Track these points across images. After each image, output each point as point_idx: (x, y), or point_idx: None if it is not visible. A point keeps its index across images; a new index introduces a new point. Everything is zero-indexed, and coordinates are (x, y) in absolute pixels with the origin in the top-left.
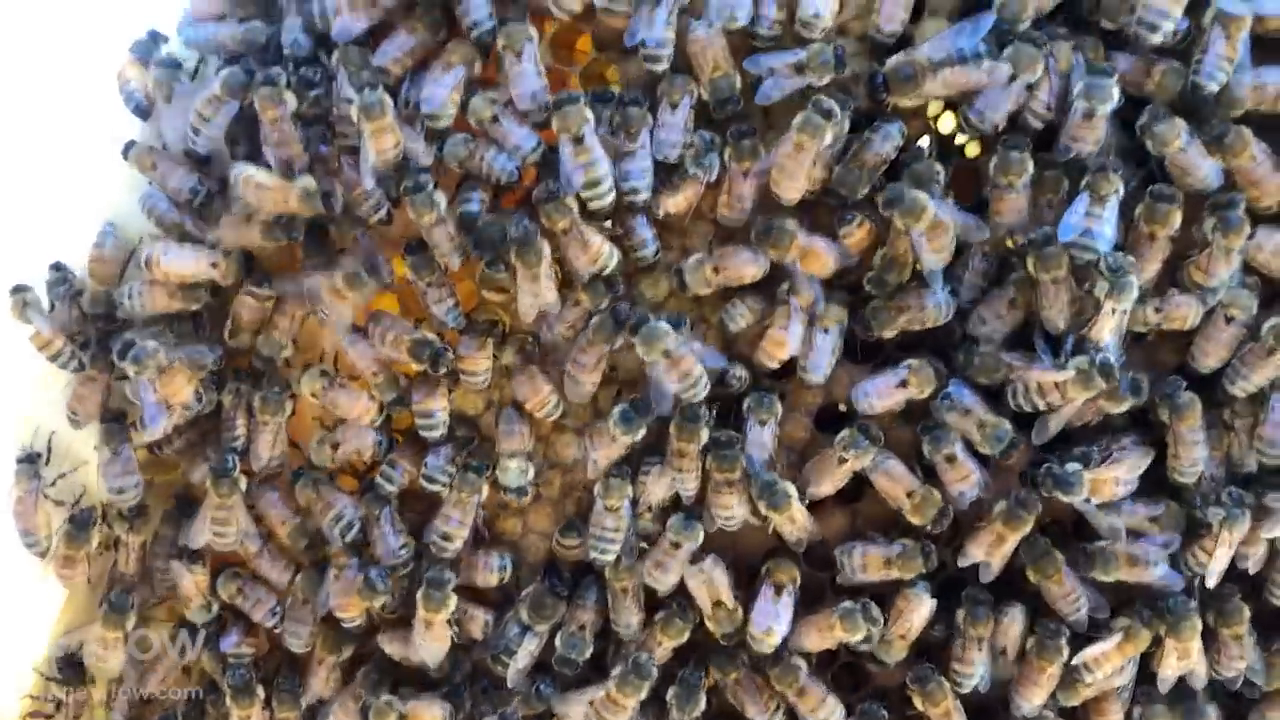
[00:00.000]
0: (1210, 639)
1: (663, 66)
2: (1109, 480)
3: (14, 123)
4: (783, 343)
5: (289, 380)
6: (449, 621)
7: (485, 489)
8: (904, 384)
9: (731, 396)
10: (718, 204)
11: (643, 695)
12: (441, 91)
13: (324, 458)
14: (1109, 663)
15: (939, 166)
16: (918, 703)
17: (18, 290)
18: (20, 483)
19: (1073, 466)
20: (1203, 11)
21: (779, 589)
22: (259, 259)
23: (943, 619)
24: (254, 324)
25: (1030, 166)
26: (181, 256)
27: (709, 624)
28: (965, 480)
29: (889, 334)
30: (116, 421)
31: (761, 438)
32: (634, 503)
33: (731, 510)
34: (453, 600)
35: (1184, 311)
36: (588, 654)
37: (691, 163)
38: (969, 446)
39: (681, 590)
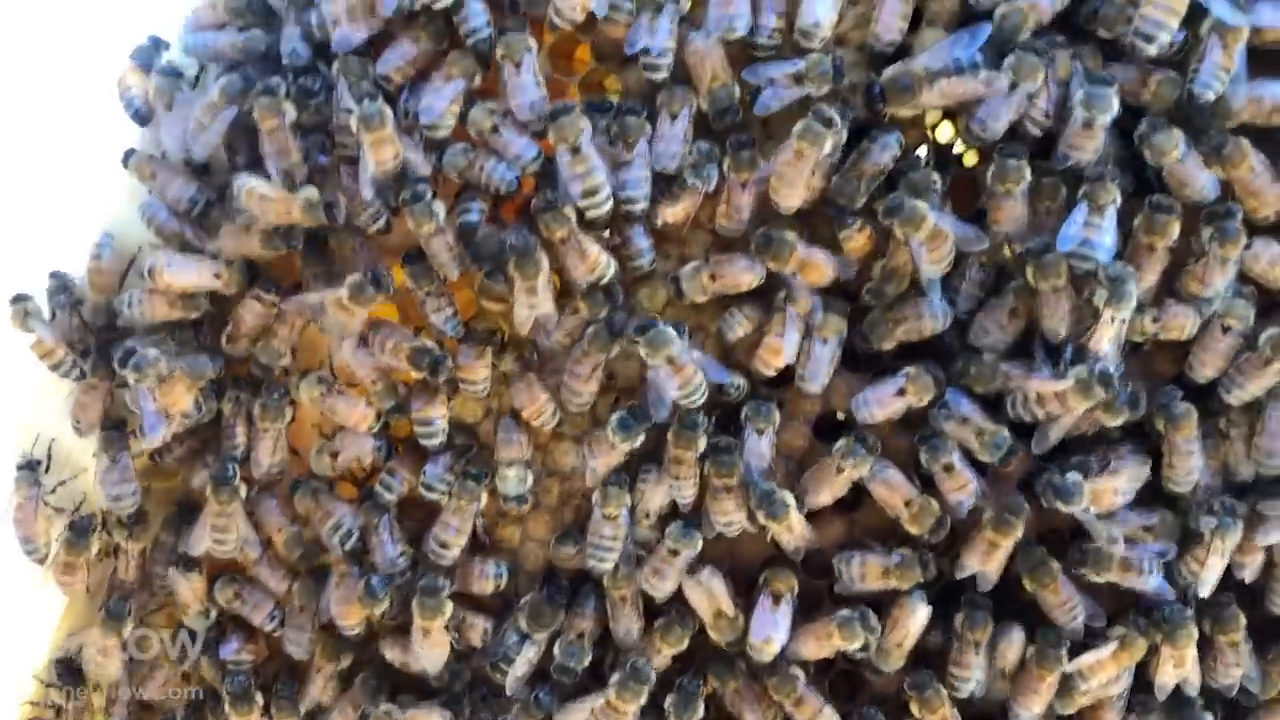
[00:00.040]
0: (1206, 646)
1: (663, 75)
2: (1108, 490)
3: (14, 130)
4: (779, 350)
5: (288, 387)
6: (447, 628)
7: (484, 496)
8: (902, 392)
9: (730, 405)
10: (716, 214)
11: (642, 700)
12: (440, 102)
13: (324, 466)
14: (1104, 671)
15: (936, 175)
16: (915, 710)
17: (19, 299)
18: (20, 490)
19: (1073, 476)
20: (1199, 22)
21: (777, 598)
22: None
23: (940, 626)
24: (256, 329)
25: (1028, 174)
26: (185, 267)
27: (711, 633)
28: (963, 489)
29: (887, 345)
30: (116, 429)
31: (759, 447)
32: (632, 510)
33: (730, 516)
34: (448, 607)
35: (1181, 321)
36: (586, 662)
37: (690, 173)
38: (967, 455)
39: (679, 597)
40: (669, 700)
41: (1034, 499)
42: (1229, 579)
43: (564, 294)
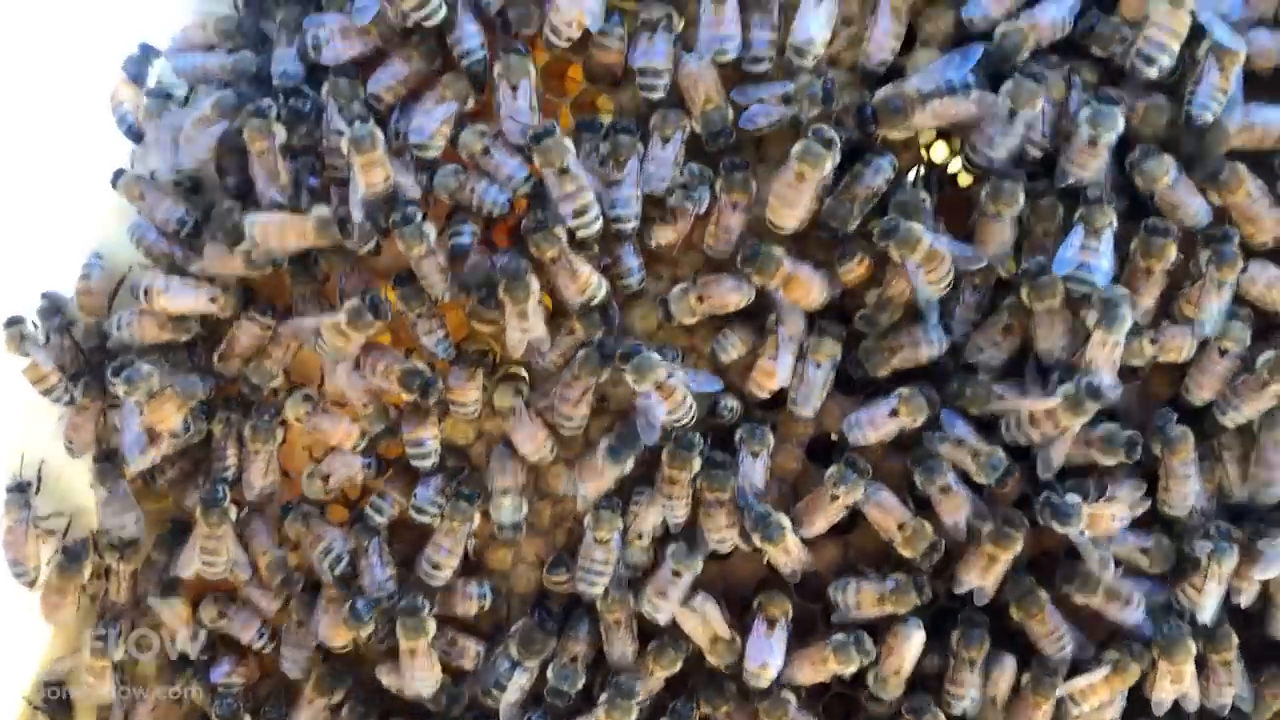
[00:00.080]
0: (1199, 666)
1: (659, 95)
2: (1105, 515)
3: (3, 148)
4: (772, 373)
5: (278, 407)
6: (435, 649)
7: (476, 517)
8: (895, 413)
9: (723, 427)
10: (706, 235)
11: (632, 718)
12: (430, 123)
13: (315, 490)
14: (1096, 695)
15: (924, 195)
16: None
17: (13, 322)
18: (11, 512)
19: (1072, 498)
20: (1195, 45)
21: (772, 623)
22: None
23: (936, 648)
24: (249, 350)
25: (1021, 199)
26: (182, 292)
27: (709, 658)
28: (960, 510)
29: (882, 373)
30: (108, 460)
31: (754, 469)
32: (624, 532)
33: (723, 533)
34: (431, 626)
35: (1179, 343)
36: (580, 685)
37: (681, 194)
38: (962, 475)
39: (673, 621)
40: None
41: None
42: (1223, 600)
43: (558, 314)
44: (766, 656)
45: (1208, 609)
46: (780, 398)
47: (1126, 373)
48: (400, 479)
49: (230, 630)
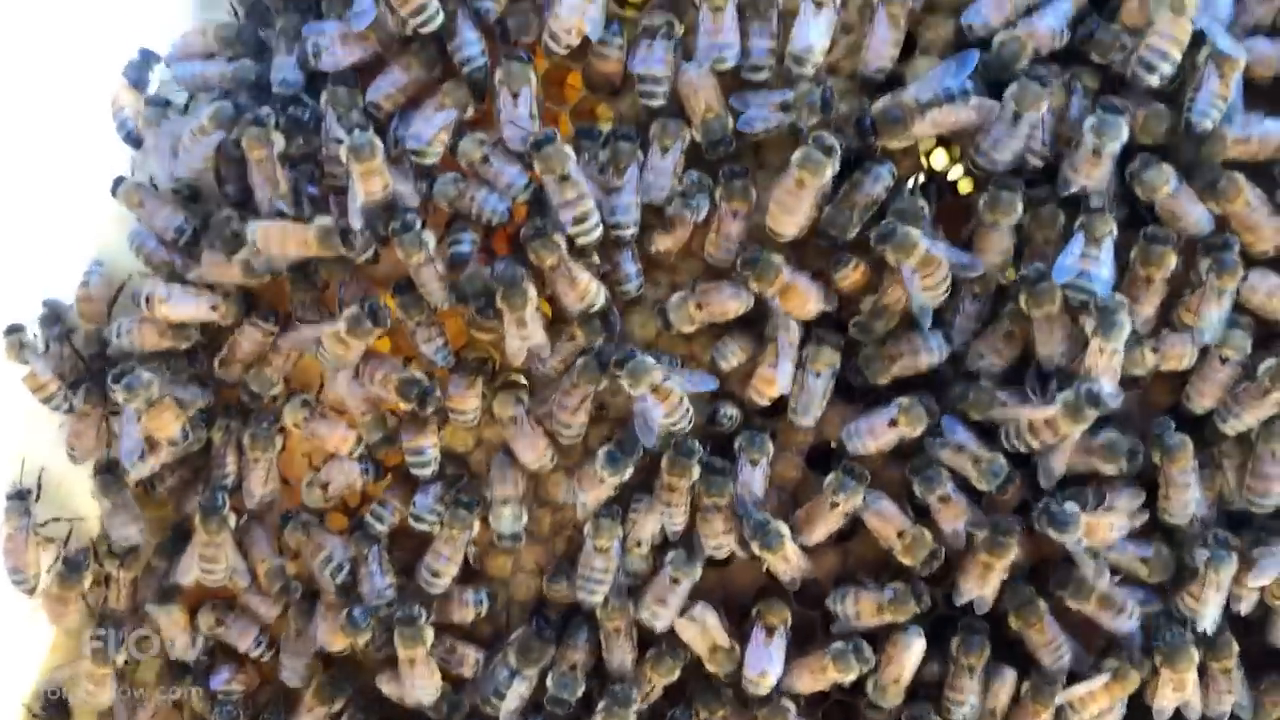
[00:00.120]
0: (1198, 674)
1: (659, 102)
2: (1104, 525)
3: (4, 156)
4: (772, 380)
5: (277, 415)
6: (433, 656)
7: (476, 525)
8: (894, 422)
9: (723, 435)
10: (706, 243)
11: None
12: (429, 129)
13: (315, 499)
14: (1095, 703)
15: (923, 203)
16: None
17: (13, 330)
18: (11, 520)
19: (1070, 506)
20: (1194, 52)
21: (771, 630)
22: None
23: (936, 656)
24: (250, 356)
25: (1019, 209)
26: (184, 301)
27: (709, 666)
28: (959, 519)
29: (882, 381)
30: (110, 473)
31: (754, 477)
32: (623, 539)
33: (719, 538)
34: (429, 634)
35: (1180, 351)
36: (579, 693)
37: (680, 203)
38: (961, 483)
39: (672, 629)
40: None
41: (1026, 528)
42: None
43: (559, 320)
44: (765, 664)
45: (1208, 617)
46: (779, 405)
47: (1128, 381)
48: (400, 487)
49: (227, 638)
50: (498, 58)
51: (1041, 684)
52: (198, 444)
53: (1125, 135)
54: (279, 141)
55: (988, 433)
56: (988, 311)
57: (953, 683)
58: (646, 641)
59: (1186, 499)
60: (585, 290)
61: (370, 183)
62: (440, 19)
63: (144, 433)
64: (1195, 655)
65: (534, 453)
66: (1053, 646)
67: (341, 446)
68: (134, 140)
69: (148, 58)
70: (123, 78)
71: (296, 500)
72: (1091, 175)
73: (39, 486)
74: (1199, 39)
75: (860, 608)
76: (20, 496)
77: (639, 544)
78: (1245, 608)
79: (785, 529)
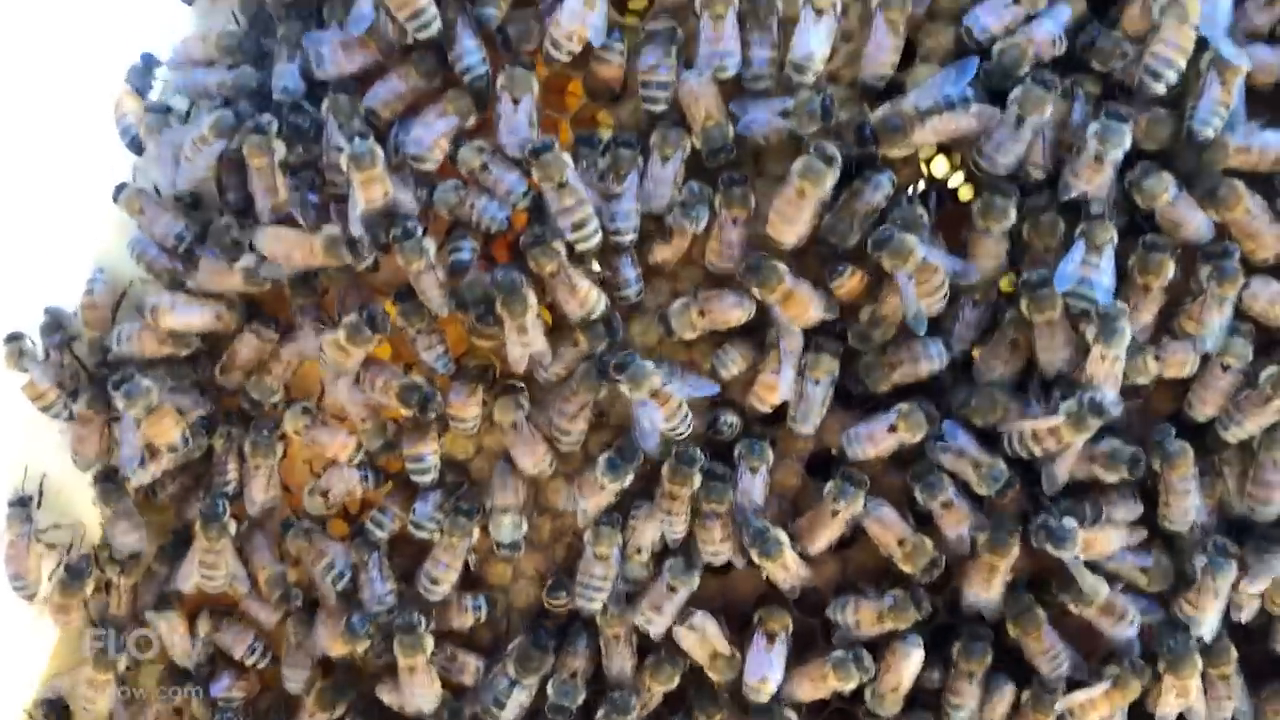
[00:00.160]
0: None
1: (661, 108)
2: (1101, 540)
3: (5, 160)
4: (774, 387)
5: (278, 422)
6: (432, 665)
7: (475, 532)
8: (894, 428)
9: (723, 443)
10: (707, 250)
11: None
12: (429, 135)
13: (316, 506)
14: (1096, 711)
15: (922, 211)
16: None
17: (13, 338)
18: (13, 527)
19: (1068, 522)
20: (1197, 59)
21: (771, 637)
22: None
23: (936, 664)
24: (250, 363)
25: (1013, 216)
26: (189, 311)
27: (710, 674)
28: (962, 524)
29: (883, 389)
30: (110, 480)
31: (753, 485)
32: (623, 546)
33: (717, 545)
34: (428, 642)
35: (1181, 358)
36: (580, 701)
37: (680, 213)
38: (962, 488)
39: (669, 636)
40: None
41: (1025, 540)
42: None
43: (561, 326)
44: (766, 671)
45: (1207, 624)
46: (780, 413)
47: (1130, 389)
48: (401, 493)
49: (222, 643)
50: (498, 66)
51: (1041, 692)
52: (198, 451)
53: (1128, 143)
54: (280, 149)
55: (989, 438)
56: (988, 319)
57: (952, 686)
58: (647, 649)
59: (1186, 506)
60: (585, 297)
61: (370, 190)
62: (438, 25)
63: (144, 440)
64: (1200, 662)
65: (533, 458)
66: (1050, 655)
67: (341, 453)
68: (136, 146)
69: (150, 63)
70: (125, 83)
71: (298, 506)
72: (1093, 181)
73: (40, 493)
74: (1201, 46)
75: (860, 616)
76: (22, 503)
77: (639, 551)
78: (1246, 615)
79: (784, 537)
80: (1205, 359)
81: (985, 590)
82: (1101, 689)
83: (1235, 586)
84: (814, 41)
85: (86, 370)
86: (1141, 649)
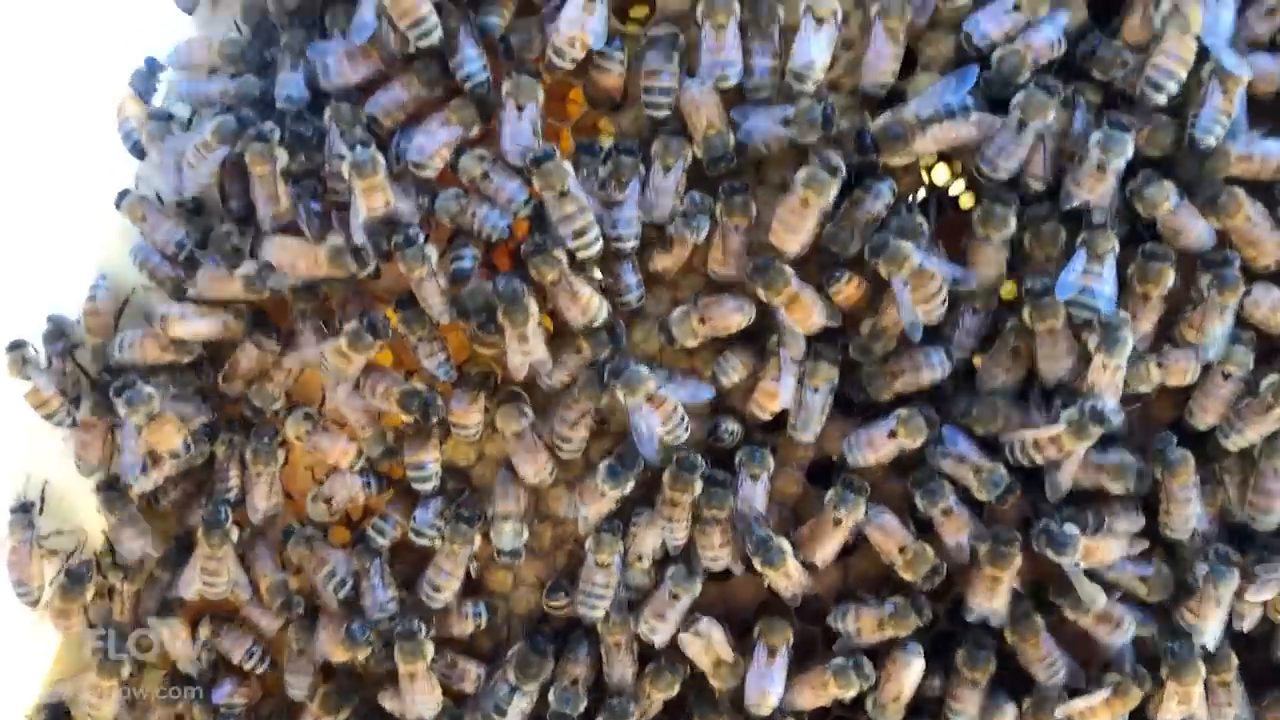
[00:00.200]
0: None
1: (664, 114)
2: (1102, 548)
3: (8, 165)
4: (775, 394)
5: (279, 428)
6: (433, 672)
7: (477, 539)
8: (894, 434)
9: (724, 450)
10: (709, 259)
11: None
12: (431, 143)
13: (319, 513)
14: (1096, 718)
15: (922, 219)
16: None
17: (16, 346)
18: (15, 533)
19: (1070, 528)
20: (1198, 67)
21: (773, 651)
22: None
23: (937, 671)
24: (251, 372)
25: (1012, 224)
26: (196, 321)
27: (713, 681)
28: (963, 531)
29: (885, 398)
30: (113, 488)
31: (754, 492)
32: (624, 554)
33: (716, 551)
34: (429, 649)
35: (1182, 366)
36: (581, 708)
37: (681, 223)
38: (962, 495)
39: (671, 644)
40: None
41: (1025, 547)
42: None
43: (564, 334)
44: (767, 685)
45: (1210, 633)
46: (781, 420)
47: (1131, 397)
48: (402, 500)
49: (220, 648)
50: (500, 75)
51: (1043, 702)
52: (200, 457)
53: (1130, 152)
54: (282, 157)
55: (989, 445)
56: (988, 327)
57: (954, 693)
58: (647, 656)
59: (1187, 514)
60: (587, 305)
61: (372, 199)
62: (439, 33)
63: (145, 446)
64: (1203, 669)
65: (534, 466)
66: (1047, 662)
67: (343, 459)
68: (139, 151)
69: (154, 67)
70: (128, 88)
71: (300, 513)
72: (1095, 190)
73: (42, 499)
74: (1202, 55)
75: (861, 624)
76: (24, 509)
77: (640, 558)
78: (1248, 624)
79: (787, 545)
80: (1206, 367)
81: (990, 600)
82: (1102, 696)
83: (1239, 595)
84: (815, 50)
85: (89, 377)
86: (1142, 656)
